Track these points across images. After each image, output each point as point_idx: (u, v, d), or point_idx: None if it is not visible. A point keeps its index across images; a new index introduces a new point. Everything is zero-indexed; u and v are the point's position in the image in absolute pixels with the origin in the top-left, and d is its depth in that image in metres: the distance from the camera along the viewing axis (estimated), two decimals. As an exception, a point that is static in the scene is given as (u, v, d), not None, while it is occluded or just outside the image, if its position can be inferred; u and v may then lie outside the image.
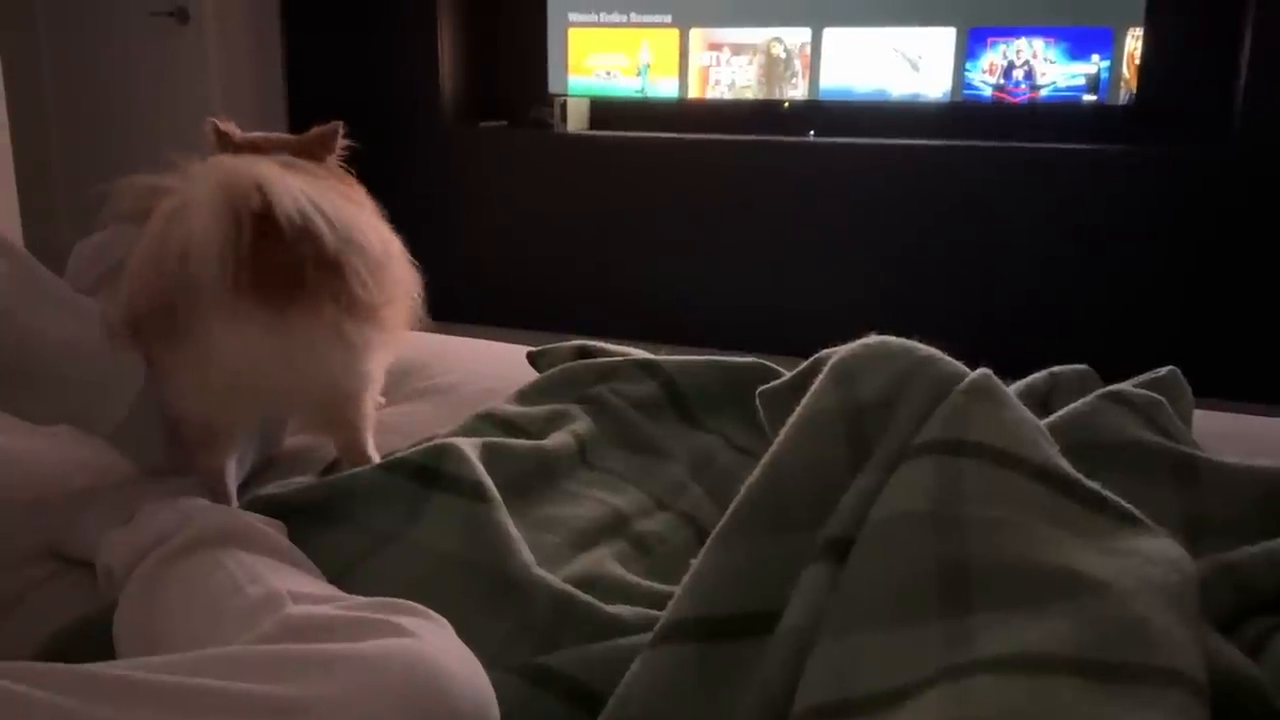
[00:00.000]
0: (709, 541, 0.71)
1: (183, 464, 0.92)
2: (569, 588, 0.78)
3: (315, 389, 0.89)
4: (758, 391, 0.88)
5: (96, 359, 0.84)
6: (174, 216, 0.78)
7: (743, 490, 0.72)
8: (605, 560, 0.86)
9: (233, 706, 0.51)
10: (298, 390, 0.88)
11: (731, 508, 0.71)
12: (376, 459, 0.96)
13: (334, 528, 0.84)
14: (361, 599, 0.65)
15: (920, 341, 0.79)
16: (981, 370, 0.74)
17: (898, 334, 0.79)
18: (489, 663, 0.63)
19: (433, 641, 0.58)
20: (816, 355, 0.85)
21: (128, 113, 3.89)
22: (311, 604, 0.63)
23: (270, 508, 0.84)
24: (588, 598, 0.77)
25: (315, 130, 1.01)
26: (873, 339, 0.78)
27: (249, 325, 0.81)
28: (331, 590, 0.69)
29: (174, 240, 0.77)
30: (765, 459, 0.73)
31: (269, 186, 0.77)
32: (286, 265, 0.79)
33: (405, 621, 0.59)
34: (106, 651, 0.73)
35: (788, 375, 0.88)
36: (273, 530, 0.77)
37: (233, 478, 0.94)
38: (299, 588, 0.66)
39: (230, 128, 0.99)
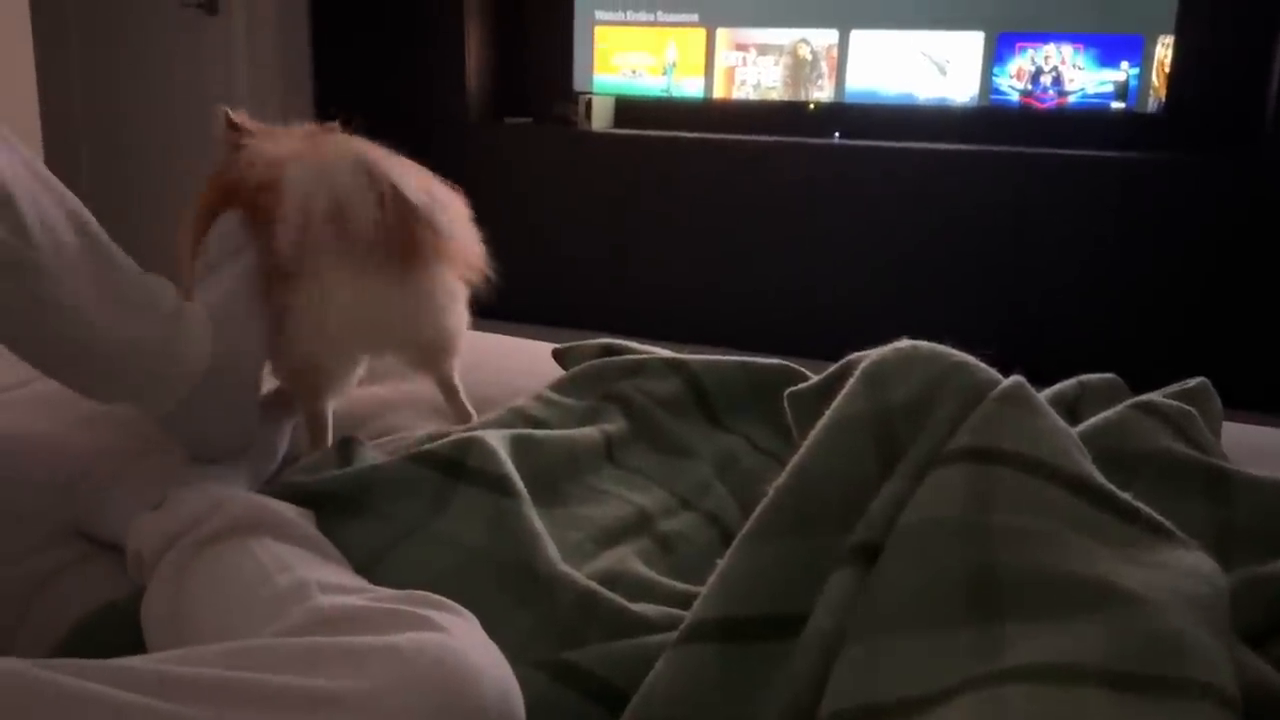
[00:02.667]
0: (736, 542, 0.70)
1: (241, 442, 0.97)
2: (593, 584, 0.78)
3: (429, 331, 1.07)
4: (786, 393, 0.88)
5: (155, 357, 0.89)
6: (322, 181, 0.94)
7: (770, 492, 0.71)
8: (629, 558, 0.86)
9: (266, 698, 0.51)
10: (413, 332, 1.06)
11: (759, 509, 0.71)
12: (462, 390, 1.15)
13: (361, 518, 0.84)
14: (390, 591, 0.65)
15: (951, 347, 0.78)
16: (1015, 377, 0.74)
17: (926, 339, 0.79)
18: (512, 658, 0.63)
19: (461, 636, 0.59)
20: (847, 359, 0.84)
21: (155, 102, 3.91)
22: (340, 595, 0.63)
23: (298, 495, 0.84)
24: (612, 595, 0.77)
25: (313, 126, 1.14)
26: (904, 343, 0.77)
27: (380, 279, 0.98)
28: (359, 582, 0.70)
29: (325, 202, 0.93)
30: (794, 461, 0.72)
31: (396, 169, 0.98)
32: (407, 233, 0.98)
33: (434, 615, 0.59)
34: (133, 636, 0.73)
35: (816, 378, 0.88)
36: (302, 520, 0.77)
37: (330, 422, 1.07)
38: (327, 578, 0.66)
39: (243, 118, 1.09)
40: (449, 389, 1.16)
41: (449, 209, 1.04)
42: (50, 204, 0.81)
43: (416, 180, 1.01)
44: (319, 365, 1.02)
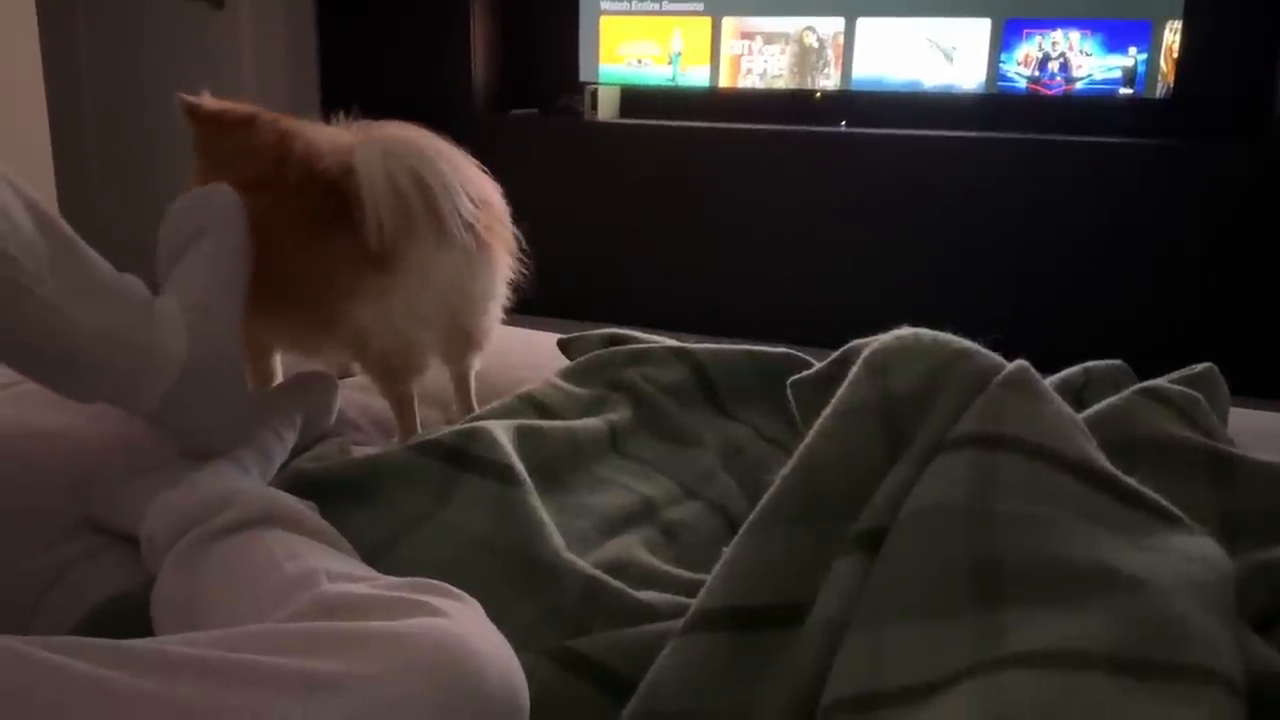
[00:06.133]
0: (742, 530, 0.71)
1: (232, 442, 0.95)
2: (598, 573, 0.78)
3: (484, 303, 1.10)
4: (789, 381, 0.88)
5: (131, 346, 0.87)
6: (400, 175, 0.97)
7: (777, 480, 0.72)
8: (633, 547, 0.86)
9: (266, 680, 0.52)
10: (481, 311, 1.10)
11: (765, 498, 0.71)
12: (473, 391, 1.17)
13: (366, 507, 0.85)
14: (396, 579, 0.65)
15: (954, 334, 0.78)
16: (1019, 363, 0.74)
17: (932, 326, 0.79)
18: (517, 646, 0.63)
19: (464, 622, 0.59)
20: (849, 345, 0.84)
21: (162, 97, 3.91)
22: (347, 583, 0.64)
23: (304, 483, 0.85)
24: (618, 583, 0.77)
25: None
26: (905, 331, 0.77)
27: (465, 257, 1.03)
28: (368, 571, 0.70)
29: (416, 185, 0.97)
30: (799, 449, 0.72)
31: (453, 154, 1.04)
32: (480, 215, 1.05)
33: (439, 602, 0.60)
34: (144, 628, 0.74)
35: (819, 366, 0.88)
36: (313, 513, 0.77)
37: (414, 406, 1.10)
38: (336, 567, 0.67)
39: (203, 100, 1.14)
40: (463, 379, 1.16)
41: (493, 196, 1.08)
42: (12, 201, 0.79)
43: (469, 166, 1.05)
44: (413, 345, 1.05)
